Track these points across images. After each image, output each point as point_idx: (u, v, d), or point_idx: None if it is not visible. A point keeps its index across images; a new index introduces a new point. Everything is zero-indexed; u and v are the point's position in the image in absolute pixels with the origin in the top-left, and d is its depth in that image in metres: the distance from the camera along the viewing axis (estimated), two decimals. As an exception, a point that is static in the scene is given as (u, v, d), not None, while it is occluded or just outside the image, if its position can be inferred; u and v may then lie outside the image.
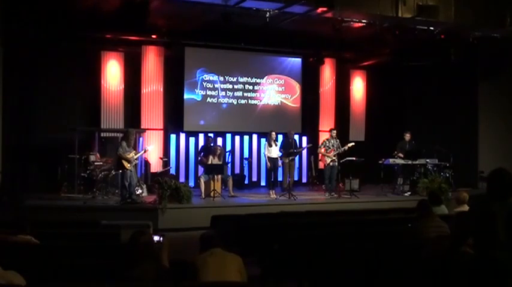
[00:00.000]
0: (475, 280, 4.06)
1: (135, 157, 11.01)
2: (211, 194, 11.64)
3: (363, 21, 12.25)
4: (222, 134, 14.76)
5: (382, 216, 8.83)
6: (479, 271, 4.00)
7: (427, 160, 13.29)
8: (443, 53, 13.45)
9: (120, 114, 13.67)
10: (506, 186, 4.03)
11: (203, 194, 11.95)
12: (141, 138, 13.28)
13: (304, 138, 15.58)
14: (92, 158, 12.17)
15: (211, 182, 11.83)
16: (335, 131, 12.87)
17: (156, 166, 13.31)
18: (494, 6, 12.48)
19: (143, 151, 11.97)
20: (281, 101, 15.40)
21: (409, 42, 13.20)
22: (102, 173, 11.82)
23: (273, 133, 12.51)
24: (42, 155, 12.65)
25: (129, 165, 10.64)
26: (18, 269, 3.75)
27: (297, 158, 13.92)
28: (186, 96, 14.29)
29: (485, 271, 3.95)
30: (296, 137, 14.05)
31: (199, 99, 14.44)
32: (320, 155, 12.98)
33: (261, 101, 15.16)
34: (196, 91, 14.40)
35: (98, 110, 13.53)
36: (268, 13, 11.31)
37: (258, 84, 15.14)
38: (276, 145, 12.52)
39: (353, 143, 12.79)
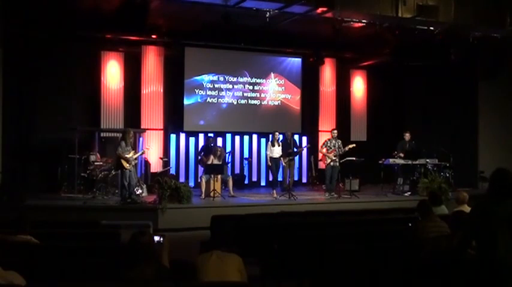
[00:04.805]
0: (475, 280, 4.05)
1: (134, 156, 11.00)
2: (211, 194, 11.65)
3: (363, 21, 12.26)
4: (222, 134, 14.76)
5: (382, 216, 8.81)
6: (480, 271, 3.99)
7: (427, 160, 13.29)
8: (443, 53, 13.44)
9: (120, 114, 13.68)
10: (508, 186, 4.00)
11: (203, 194, 11.96)
12: (141, 138, 13.29)
13: (304, 139, 15.58)
14: (92, 158, 12.18)
15: (212, 182, 11.84)
16: (336, 132, 12.88)
17: (156, 166, 13.32)
18: (494, 6, 12.48)
19: (142, 152, 11.98)
20: (281, 101, 15.40)
21: (409, 42, 13.21)
22: (102, 173, 11.82)
23: (277, 133, 12.56)
24: (42, 155, 12.67)
25: (128, 165, 10.63)
26: (18, 269, 3.74)
27: (296, 158, 13.93)
28: (186, 96, 14.29)
29: (485, 271, 3.94)
30: (296, 137, 14.07)
31: (199, 100, 14.43)
32: (321, 155, 12.99)
33: (261, 101, 15.16)
34: (196, 91, 14.40)
35: (98, 110, 13.54)
36: (268, 13, 11.31)
37: (258, 84, 15.14)
38: (279, 145, 12.54)
39: (354, 145, 12.78)
